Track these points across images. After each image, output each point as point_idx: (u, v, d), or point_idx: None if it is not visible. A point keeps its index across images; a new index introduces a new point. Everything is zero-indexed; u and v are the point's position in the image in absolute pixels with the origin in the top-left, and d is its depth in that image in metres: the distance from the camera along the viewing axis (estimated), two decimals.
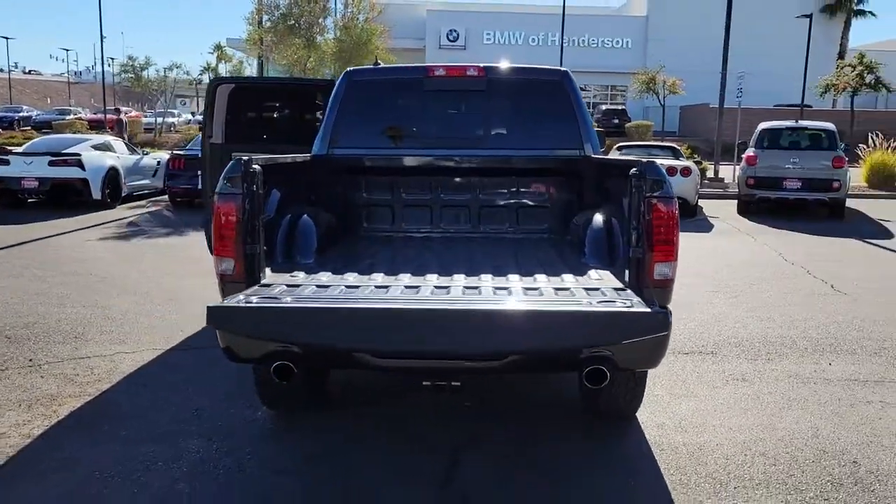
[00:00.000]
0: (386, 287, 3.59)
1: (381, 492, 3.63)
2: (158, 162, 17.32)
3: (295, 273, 3.91)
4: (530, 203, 5.55)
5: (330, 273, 3.92)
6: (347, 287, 3.57)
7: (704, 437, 4.28)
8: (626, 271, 3.65)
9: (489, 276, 3.89)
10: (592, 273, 3.96)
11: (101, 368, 5.35)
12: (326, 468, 3.85)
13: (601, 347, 3.22)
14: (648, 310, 3.12)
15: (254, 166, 3.60)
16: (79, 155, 14.64)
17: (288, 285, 3.58)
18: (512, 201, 5.54)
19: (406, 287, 3.60)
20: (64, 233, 11.85)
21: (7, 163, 14.47)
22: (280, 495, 3.59)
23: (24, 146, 17.05)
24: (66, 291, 7.73)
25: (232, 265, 3.53)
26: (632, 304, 3.21)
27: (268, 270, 3.86)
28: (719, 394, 4.99)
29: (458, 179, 5.55)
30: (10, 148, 18.64)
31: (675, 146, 17.48)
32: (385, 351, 3.28)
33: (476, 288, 3.59)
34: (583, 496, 3.60)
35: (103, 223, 13.04)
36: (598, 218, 4.43)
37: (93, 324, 6.50)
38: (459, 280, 3.80)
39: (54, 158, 14.48)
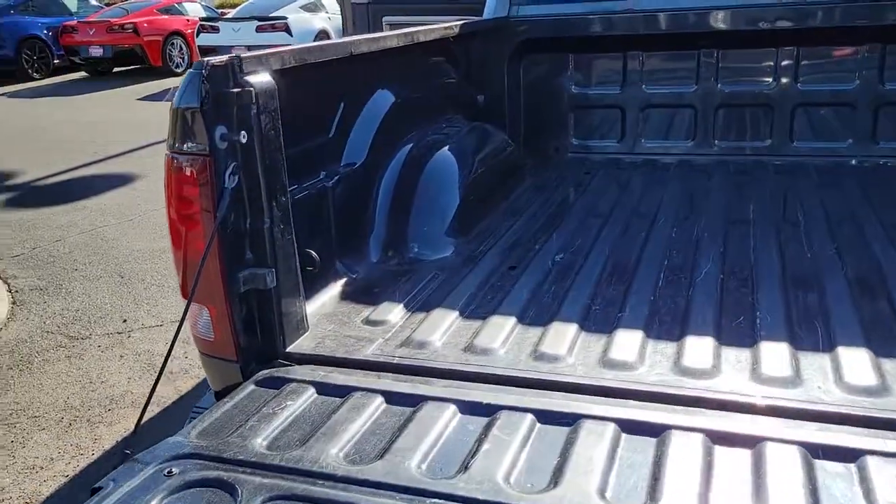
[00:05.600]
0: (650, 391, 1.36)
1: None
2: None
3: (389, 315, 1.77)
4: None
5: (492, 318, 1.73)
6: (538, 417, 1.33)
7: None
8: None
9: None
10: None
11: None
12: None
13: None
14: None
15: (247, 79, 1.45)
16: (285, 18, 13.33)
17: (343, 386, 1.46)
18: (862, 91, 2.90)
19: (693, 397, 1.35)
20: None
21: (217, 30, 13.58)
22: None
23: (236, 9, 16.20)
24: None
25: (209, 322, 1.49)
26: None
27: (338, 287, 1.82)
28: None
29: (750, 54, 2.99)
30: (224, 12, 17.96)
31: None
32: None
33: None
34: None
35: None
36: None
37: None
38: (816, 363, 1.48)
39: (261, 24, 13.32)
